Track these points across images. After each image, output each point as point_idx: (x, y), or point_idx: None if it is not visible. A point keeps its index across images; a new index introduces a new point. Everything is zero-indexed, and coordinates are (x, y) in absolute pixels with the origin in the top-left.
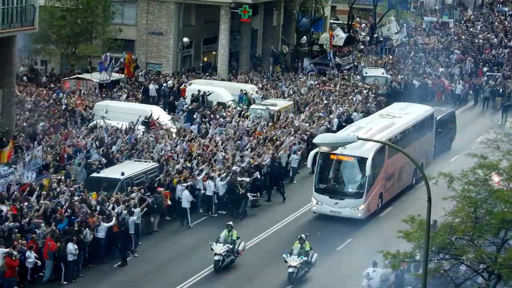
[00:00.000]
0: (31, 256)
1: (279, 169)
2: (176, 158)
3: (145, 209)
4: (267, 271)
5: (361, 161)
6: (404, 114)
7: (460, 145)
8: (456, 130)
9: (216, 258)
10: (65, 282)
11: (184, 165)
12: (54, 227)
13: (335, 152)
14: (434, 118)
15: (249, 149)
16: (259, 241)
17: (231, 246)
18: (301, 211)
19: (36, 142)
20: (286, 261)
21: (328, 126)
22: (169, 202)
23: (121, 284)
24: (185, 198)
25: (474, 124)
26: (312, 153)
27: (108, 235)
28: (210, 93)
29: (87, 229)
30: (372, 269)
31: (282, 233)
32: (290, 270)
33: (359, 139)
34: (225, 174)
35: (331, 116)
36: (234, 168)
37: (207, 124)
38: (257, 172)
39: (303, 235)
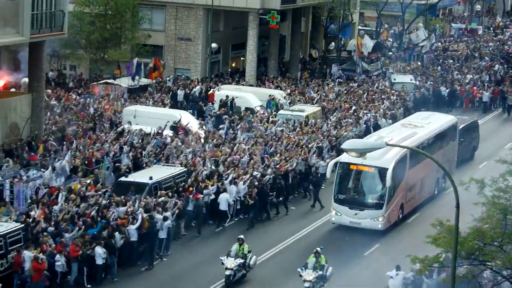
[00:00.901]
0: (61, 260)
1: (316, 176)
2: (203, 163)
3: (177, 211)
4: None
5: (382, 171)
6: (426, 124)
7: (489, 152)
8: (479, 140)
9: (227, 272)
10: (88, 286)
11: (211, 169)
12: (83, 232)
13: (355, 162)
14: (457, 128)
15: (277, 155)
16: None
17: (242, 261)
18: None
19: (65, 147)
20: (301, 275)
21: (357, 132)
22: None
23: None
24: (224, 201)
25: (503, 131)
26: (331, 162)
27: (139, 238)
28: (235, 98)
29: (117, 233)
30: (395, 272)
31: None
32: (306, 285)
33: (387, 145)
34: (247, 177)
35: (360, 122)
36: (255, 173)
37: (235, 129)
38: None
39: (318, 249)
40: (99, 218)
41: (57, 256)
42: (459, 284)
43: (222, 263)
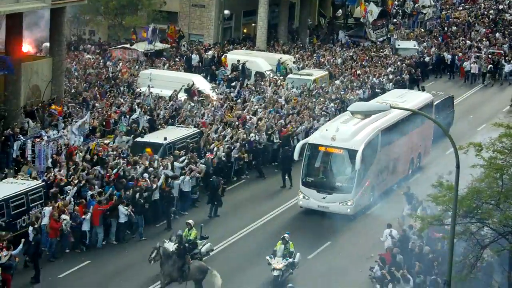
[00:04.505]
0: (86, 217)
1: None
2: (215, 125)
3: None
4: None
5: (351, 153)
6: (401, 102)
7: (488, 115)
8: (454, 115)
9: None
10: (115, 242)
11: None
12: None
13: (323, 143)
14: (433, 105)
15: (288, 117)
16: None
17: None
18: None
19: (84, 109)
20: (269, 264)
21: (362, 96)
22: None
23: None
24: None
25: (501, 95)
26: (299, 144)
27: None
28: (244, 62)
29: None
30: (389, 230)
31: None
32: (275, 273)
33: (391, 107)
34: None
35: (366, 86)
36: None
37: (246, 92)
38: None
39: (286, 235)
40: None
41: (84, 214)
42: (459, 240)
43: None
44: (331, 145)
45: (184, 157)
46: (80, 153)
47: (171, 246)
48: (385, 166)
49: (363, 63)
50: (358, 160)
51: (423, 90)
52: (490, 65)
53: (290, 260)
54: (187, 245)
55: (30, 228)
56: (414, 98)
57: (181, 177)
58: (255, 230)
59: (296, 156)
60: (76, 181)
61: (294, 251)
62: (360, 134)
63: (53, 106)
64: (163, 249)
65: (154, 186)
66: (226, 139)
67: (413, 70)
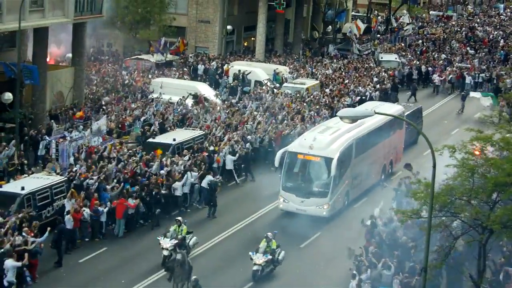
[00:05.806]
0: (104, 211)
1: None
2: (216, 128)
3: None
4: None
5: (327, 161)
6: None
7: (460, 121)
8: (423, 125)
9: (165, 253)
10: (125, 231)
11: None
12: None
13: (302, 151)
14: (404, 117)
15: (280, 122)
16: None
17: (176, 241)
18: None
19: (101, 112)
20: (251, 259)
21: (349, 103)
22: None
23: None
24: (229, 160)
25: (469, 104)
26: (279, 152)
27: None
28: (249, 73)
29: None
30: (369, 221)
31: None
32: (254, 268)
33: (376, 113)
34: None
35: (354, 93)
36: (249, 137)
37: (245, 99)
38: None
39: (269, 234)
40: (139, 177)
41: (100, 208)
42: (435, 232)
43: (159, 243)
44: (308, 153)
45: (187, 155)
46: (102, 152)
47: (167, 242)
48: (359, 172)
49: (350, 73)
50: (334, 167)
51: (397, 101)
52: (452, 76)
53: (271, 257)
54: (177, 240)
55: (66, 217)
56: (387, 110)
57: (195, 174)
58: (252, 223)
59: (276, 163)
60: (96, 177)
61: (279, 249)
62: (336, 143)
63: (77, 115)
64: (179, 259)
65: (178, 183)
66: (224, 141)
67: (398, 81)
